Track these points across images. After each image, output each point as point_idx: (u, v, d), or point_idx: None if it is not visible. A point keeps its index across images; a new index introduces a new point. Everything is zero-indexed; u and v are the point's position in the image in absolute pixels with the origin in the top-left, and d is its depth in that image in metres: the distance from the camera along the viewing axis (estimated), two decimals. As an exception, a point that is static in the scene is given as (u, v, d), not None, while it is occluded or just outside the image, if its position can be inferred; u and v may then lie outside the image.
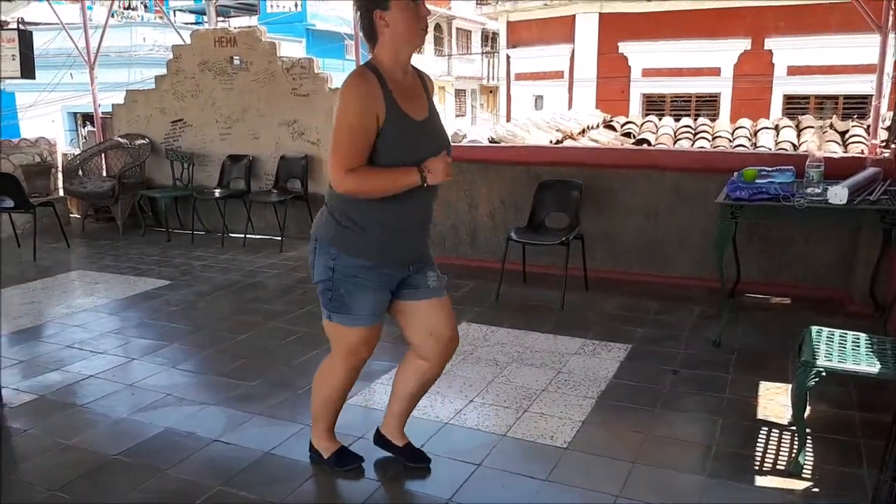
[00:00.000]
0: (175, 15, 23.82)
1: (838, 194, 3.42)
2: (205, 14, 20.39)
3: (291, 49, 14.93)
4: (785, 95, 11.61)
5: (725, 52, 11.79)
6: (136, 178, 7.27)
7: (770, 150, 7.38)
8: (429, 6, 2.31)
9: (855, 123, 8.12)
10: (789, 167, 3.96)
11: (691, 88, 12.26)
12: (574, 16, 12.91)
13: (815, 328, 2.81)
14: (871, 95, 5.64)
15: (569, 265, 4.57)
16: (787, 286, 4.77)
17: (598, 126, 9.37)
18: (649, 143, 8.23)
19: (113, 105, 7.74)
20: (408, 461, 2.67)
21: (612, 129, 9.39)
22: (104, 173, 7.66)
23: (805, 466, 2.61)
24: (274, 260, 6.04)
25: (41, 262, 6.04)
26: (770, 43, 11.52)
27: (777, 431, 2.92)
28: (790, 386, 2.98)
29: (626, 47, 12.48)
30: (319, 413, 2.64)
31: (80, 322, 4.43)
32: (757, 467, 2.66)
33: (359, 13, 2.27)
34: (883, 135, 5.21)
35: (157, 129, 7.43)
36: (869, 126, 6.31)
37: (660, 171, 5.04)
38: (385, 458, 2.72)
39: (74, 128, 18.07)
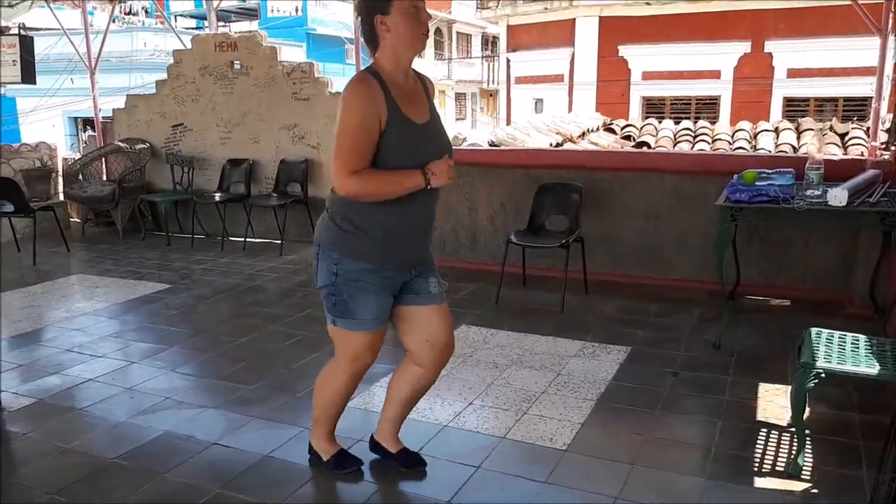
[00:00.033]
0: (176, 20, 23.89)
1: (838, 196, 3.42)
2: (205, 19, 20.45)
3: (292, 53, 14.97)
4: (785, 98, 11.62)
5: (725, 55, 11.81)
6: (137, 182, 7.28)
7: (770, 152, 7.40)
8: (429, 10, 2.31)
9: (855, 126, 8.12)
10: (789, 169, 3.96)
11: (691, 91, 12.27)
12: (574, 19, 12.93)
13: (814, 330, 2.81)
14: (871, 98, 5.64)
15: (569, 268, 4.57)
16: (786, 288, 4.77)
17: (597, 129, 9.38)
18: (649, 146, 8.24)
19: (113, 110, 7.75)
20: (402, 467, 2.67)
21: (612, 132, 9.40)
22: (104, 177, 7.67)
23: (804, 468, 2.61)
24: (274, 263, 6.05)
25: (41, 266, 6.05)
26: (770, 46, 11.54)
27: (776, 433, 2.92)
28: (790, 388, 2.97)
29: (626, 50, 12.50)
30: (320, 416, 2.64)
31: (80, 326, 4.43)
32: (756, 469, 2.65)
33: (360, 18, 2.27)
34: (883, 137, 5.21)
35: (157, 134, 7.45)
36: (869, 128, 6.31)
37: (660, 174, 5.04)
38: (384, 461, 2.71)
39: (75, 132, 18.09)
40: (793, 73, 11.45)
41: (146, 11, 23.95)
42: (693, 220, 4.92)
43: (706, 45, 11.75)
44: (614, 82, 12.51)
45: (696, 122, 9.58)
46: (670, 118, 10.71)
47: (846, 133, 7.91)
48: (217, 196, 6.76)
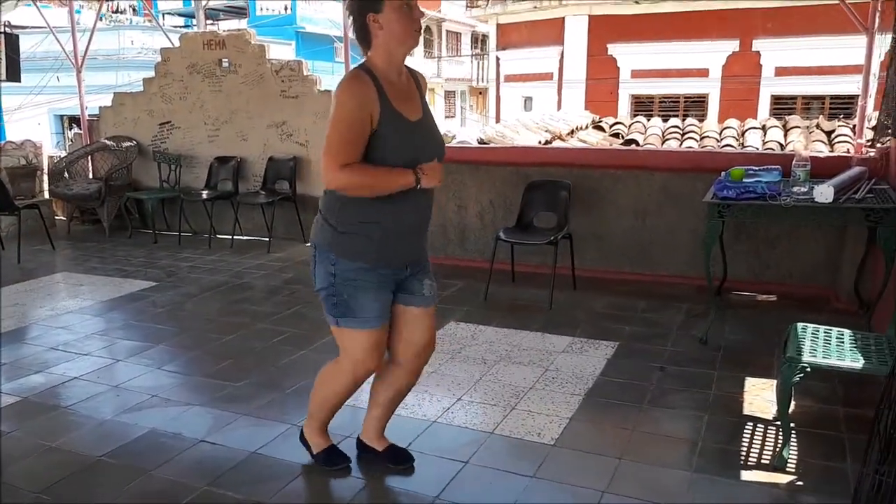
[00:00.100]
0: (164, 18, 23.75)
1: (824, 193, 3.45)
2: (194, 17, 20.34)
3: (281, 52, 14.92)
4: (772, 96, 11.69)
5: (714, 54, 11.87)
6: (123, 180, 7.23)
7: (757, 149, 7.43)
8: (420, 8, 2.30)
9: (841, 123, 8.18)
10: (776, 166, 3.99)
11: (680, 89, 12.32)
12: (563, 18, 12.96)
13: (800, 325, 2.83)
14: (858, 96, 5.69)
15: (557, 264, 4.58)
16: (773, 284, 4.80)
17: (586, 127, 9.40)
18: (638, 144, 8.26)
19: (100, 107, 7.70)
20: (390, 463, 2.66)
21: (601, 129, 9.43)
22: (90, 175, 7.62)
23: (790, 461, 2.62)
24: (262, 261, 6.02)
25: (26, 264, 5.99)
26: (758, 44, 11.60)
27: (762, 427, 2.94)
28: (775, 382, 2.98)
29: (615, 49, 12.53)
30: (315, 411, 2.63)
31: (65, 324, 4.40)
32: (742, 462, 2.67)
33: (351, 17, 2.27)
34: (868, 134, 5.25)
35: (144, 132, 7.40)
36: (855, 126, 6.36)
37: (648, 172, 5.06)
38: (372, 457, 2.71)
39: (61, 130, 17.96)
40: (780, 72, 11.52)
41: (134, 9, 23.79)
42: (681, 216, 4.94)
43: (694, 44, 11.81)
44: (603, 80, 12.55)
45: (684, 120, 9.62)
46: (659, 116, 10.76)
47: (832, 131, 7.96)
48: (204, 194, 6.72)
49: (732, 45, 11.75)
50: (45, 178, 7.74)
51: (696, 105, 12.17)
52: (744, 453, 2.73)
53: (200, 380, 3.56)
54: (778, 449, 2.68)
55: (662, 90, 12.43)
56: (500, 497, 2.48)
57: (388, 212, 2.27)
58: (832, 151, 7.13)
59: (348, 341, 2.40)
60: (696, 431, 2.91)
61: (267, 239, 6.50)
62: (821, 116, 9.22)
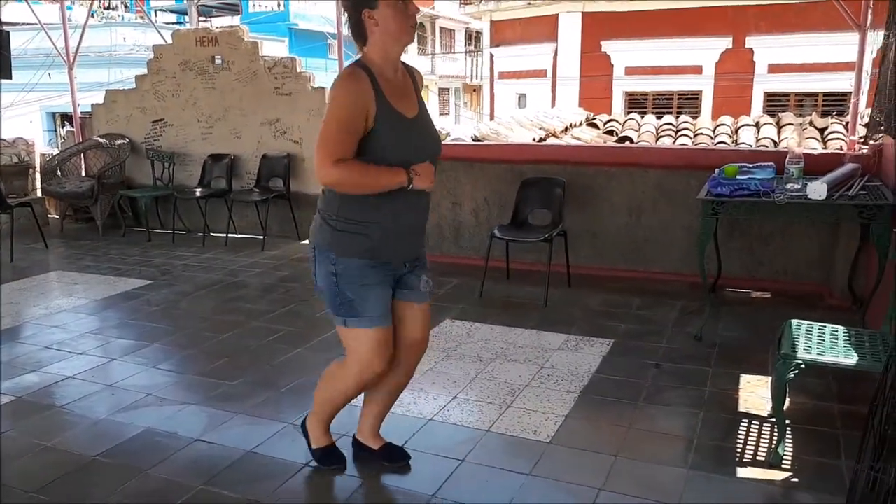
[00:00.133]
0: (156, 15, 23.64)
1: (817, 190, 3.46)
2: (186, 14, 20.23)
3: (274, 48, 14.85)
4: (765, 93, 11.72)
5: (707, 51, 11.88)
6: (116, 177, 7.19)
7: (751, 146, 7.45)
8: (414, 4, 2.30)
9: (834, 120, 8.22)
10: (770, 163, 3.99)
11: (673, 86, 12.34)
12: (557, 15, 12.96)
13: (794, 321, 2.84)
14: (851, 92, 5.71)
15: (552, 262, 4.58)
16: (767, 281, 4.82)
17: (580, 124, 9.41)
18: (632, 141, 8.28)
19: (92, 105, 7.65)
20: (386, 462, 2.66)
21: (595, 126, 9.44)
22: (83, 173, 7.57)
23: (785, 457, 2.63)
24: (256, 259, 6.01)
25: (18, 262, 5.96)
26: (751, 41, 11.63)
27: (757, 423, 2.95)
28: (770, 379, 3.00)
29: (608, 46, 12.53)
30: (318, 408, 2.63)
31: (59, 323, 4.38)
32: (738, 459, 2.68)
33: (346, 14, 2.26)
34: (861, 131, 5.27)
35: (137, 129, 7.36)
36: (848, 122, 6.39)
37: (642, 169, 5.06)
38: (368, 456, 2.71)
39: (53, 128, 17.87)
40: (773, 69, 11.55)
41: (125, 6, 23.68)
42: (675, 213, 4.95)
43: (688, 41, 11.82)
44: (597, 77, 12.55)
45: (678, 117, 9.64)
46: (652, 113, 10.78)
47: (825, 127, 8.00)
48: (198, 191, 6.70)
49: (726, 42, 11.77)
50: (38, 175, 7.69)
51: (689, 102, 12.20)
52: (739, 450, 2.74)
53: (195, 378, 3.55)
54: (773, 446, 2.69)
55: (656, 87, 12.45)
56: (496, 495, 2.49)
57: (387, 211, 2.27)
58: (825, 148, 7.15)
59: (355, 341, 2.38)
60: (691, 428, 2.92)
61: (261, 237, 6.48)
62: (814, 113, 9.27)
